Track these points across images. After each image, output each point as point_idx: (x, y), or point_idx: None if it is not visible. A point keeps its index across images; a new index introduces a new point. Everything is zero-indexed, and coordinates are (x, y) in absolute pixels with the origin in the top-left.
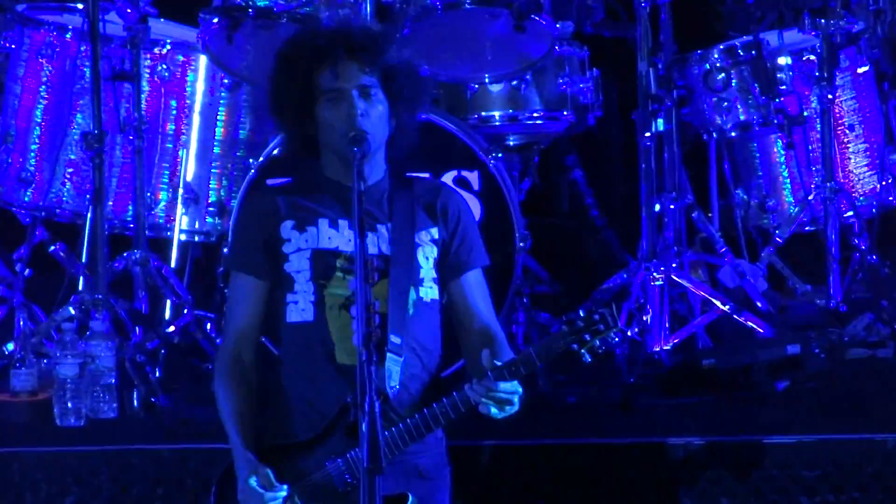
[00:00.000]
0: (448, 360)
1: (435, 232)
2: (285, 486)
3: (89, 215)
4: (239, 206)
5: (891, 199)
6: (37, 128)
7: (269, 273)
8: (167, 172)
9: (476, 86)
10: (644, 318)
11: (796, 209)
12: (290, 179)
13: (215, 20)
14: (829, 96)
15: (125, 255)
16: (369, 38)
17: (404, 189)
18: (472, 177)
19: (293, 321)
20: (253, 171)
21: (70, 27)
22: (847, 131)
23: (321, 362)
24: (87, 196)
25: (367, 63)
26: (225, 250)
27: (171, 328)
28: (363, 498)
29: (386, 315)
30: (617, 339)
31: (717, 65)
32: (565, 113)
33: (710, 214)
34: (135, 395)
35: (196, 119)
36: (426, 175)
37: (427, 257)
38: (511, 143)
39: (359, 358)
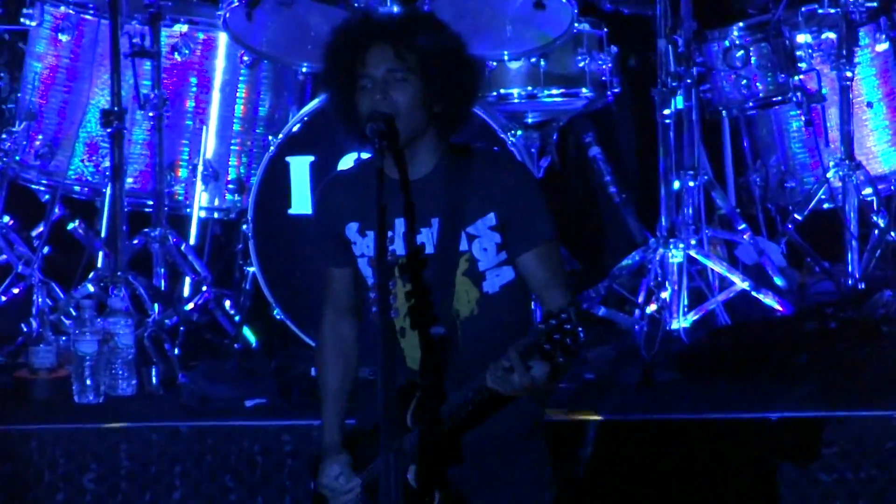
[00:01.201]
0: None
1: (492, 218)
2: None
3: (108, 192)
4: (316, 198)
5: None
6: (57, 105)
7: (350, 260)
8: (187, 149)
9: (495, 63)
10: (663, 296)
11: (815, 186)
12: (356, 170)
13: None
14: (848, 73)
15: (144, 231)
16: (400, 22)
17: (459, 176)
18: None
19: (370, 317)
20: (273, 148)
21: (90, 4)
22: (866, 108)
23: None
24: (107, 173)
25: (399, 48)
26: (244, 226)
27: (190, 305)
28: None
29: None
30: (582, 337)
31: (737, 42)
32: (584, 90)
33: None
34: (153, 372)
35: (216, 96)
36: (485, 145)
37: (486, 248)
38: (530, 121)
39: (379, 335)
